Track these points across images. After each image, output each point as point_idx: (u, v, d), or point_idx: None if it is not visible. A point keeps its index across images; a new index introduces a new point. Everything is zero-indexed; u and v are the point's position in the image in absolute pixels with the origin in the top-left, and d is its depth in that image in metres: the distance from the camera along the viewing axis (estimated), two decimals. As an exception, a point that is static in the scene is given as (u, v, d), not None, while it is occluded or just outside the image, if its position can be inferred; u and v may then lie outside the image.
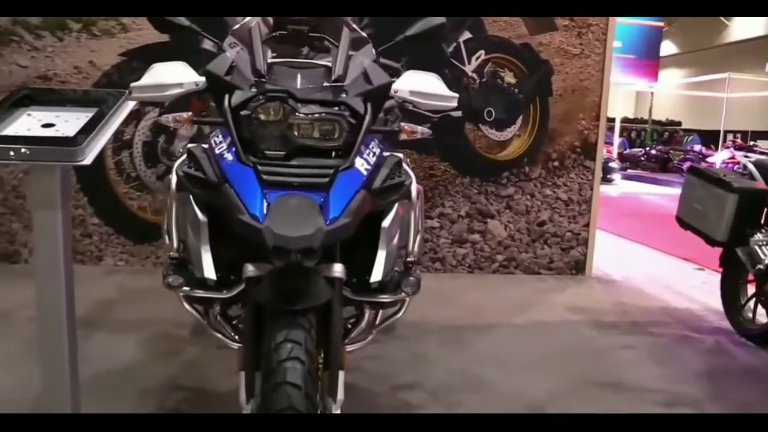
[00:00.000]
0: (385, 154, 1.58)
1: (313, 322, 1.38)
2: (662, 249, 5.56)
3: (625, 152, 19.46)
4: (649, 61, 17.44)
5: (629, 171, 17.07)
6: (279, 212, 1.33)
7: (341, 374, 1.49)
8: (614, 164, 14.38)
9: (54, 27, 3.79)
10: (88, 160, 1.58)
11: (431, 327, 3.12)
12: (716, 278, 3.48)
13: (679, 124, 23.60)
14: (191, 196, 1.55)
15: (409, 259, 1.74)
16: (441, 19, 1.75)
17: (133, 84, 1.64)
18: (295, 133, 1.46)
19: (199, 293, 1.62)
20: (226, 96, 1.50)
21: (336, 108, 1.48)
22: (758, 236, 2.97)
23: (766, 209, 3.02)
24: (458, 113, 4.13)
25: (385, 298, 1.68)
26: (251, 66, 1.55)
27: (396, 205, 1.59)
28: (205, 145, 1.54)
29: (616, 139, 18.42)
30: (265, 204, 1.37)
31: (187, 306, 1.68)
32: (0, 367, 2.46)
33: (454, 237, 4.30)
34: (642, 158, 18.87)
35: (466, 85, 4.15)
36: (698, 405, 2.40)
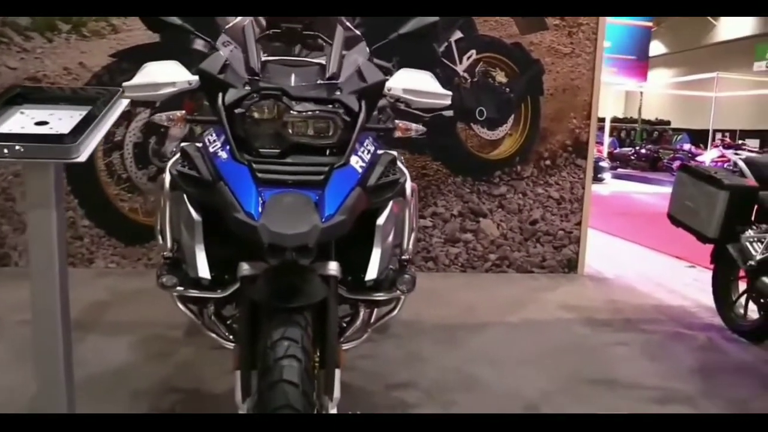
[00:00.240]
0: (380, 151, 1.58)
1: (309, 320, 1.38)
2: (654, 247, 5.59)
3: (615, 151, 19.57)
4: (638, 62, 17.58)
5: (619, 170, 17.17)
6: (274, 210, 1.33)
7: (337, 372, 1.48)
8: (604, 163, 14.46)
9: (43, 28, 3.76)
10: (82, 157, 1.57)
11: (425, 326, 3.12)
12: (707, 275, 3.50)
13: (668, 123, 23.76)
14: (185, 195, 1.54)
15: (404, 257, 1.74)
16: (434, 18, 1.75)
17: (125, 83, 1.63)
18: (290, 130, 1.46)
19: (194, 293, 1.62)
20: (220, 94, 1.50)
21: (330, 106, 1.48)
22: (749, 233, 2.99)
23: (756, 206, 3.04)
24: (450, 113, 4.13)
25: (380, 296, 1.68)
26: (245, 64, 1.55)
27: (391, 202, 1.59)
28: (199, 144, 1.53)
29: (606, 139, 18.52)
30: (261, 202, 1.36)
31: (181, 306, 1.67)
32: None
33: (446, 236, 4.31)
34: (632, 157, 18.99)
35: (458, 85, 4.16)
36: (692, 401, 2.41)
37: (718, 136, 18.64)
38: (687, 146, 18.14)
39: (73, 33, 3.79)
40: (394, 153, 1.60)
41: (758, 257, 2.90)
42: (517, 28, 4.20)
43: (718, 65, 18.72)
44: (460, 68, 4.16)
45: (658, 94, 24.14)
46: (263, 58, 1.59)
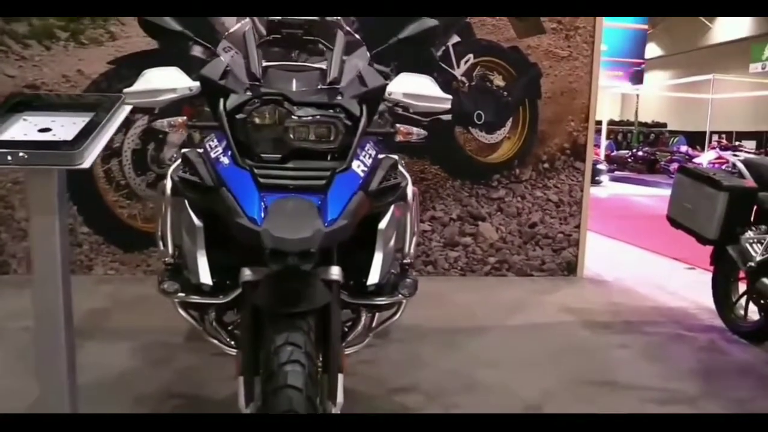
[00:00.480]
0: (381, 156, 1.58)
1: (312, 325, 1.38)
2: (652, 249, 5.60)
3: (612, 154, 19.62)
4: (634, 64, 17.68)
5: (617, 173, 17.20)
6: (277, 215, 1.33)
7: (340, 377, 1.48)
8: (602, 166, 14.47)
9: (41, 36, 3.76)
10: (86, 163, 1.58)
11: (425, 330, 3.12)
12: (707, 277, 3.50)
13: (664, 125, 23.84)
14: (186, 201, 1.54)
15: (405, 261, 1.74)
16: (433, 22, 1.76)
17: (126, 90, 1.64)
18: (291, 135, 1.46)
19: (195, 299, 1.61)
20: (221, 100, 1.50)
21: (331, 110, 1.48)
22: (749, 234, 3.00)
23: (755, 207, 3.04)
24: (448, 117, 4.14)
25: (381, 301, 1.68)
26: (246, 70, 1.55)
27: (392, 207, 1.59)
28: (200, 150, 1.53)
29: (603, 141, 18.56)
30: (263, 207, 1.36)
31: (182, 312, 1.67)
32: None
33: (445, 240, 4.31)
34: (629, 160, 19.03)
35: (456, 89, 4.17)
36: (693, 402, 2.41)
37: (715, 137, 18.69)
38: (684, 148, 18.19)
39: (71, 40, 3.79)
40: (395, 157, 1.60)
41: (758, 258, 2.90)
42: (515, 32, 4.21)
43: (714, 67, 18.80)
44: (457, 72, 4.17)
45: (654, 96, 24.21)
46: (264, 64, 1.59)
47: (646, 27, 18.44)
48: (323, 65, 1.61)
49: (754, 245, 2.96)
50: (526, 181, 4.36)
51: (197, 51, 3.56)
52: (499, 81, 4.25)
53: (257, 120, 1.47)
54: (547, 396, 2.42)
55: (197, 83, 1.62)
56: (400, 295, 1.68)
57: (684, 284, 4.36)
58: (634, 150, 19.93)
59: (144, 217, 3.98)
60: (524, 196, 4.36)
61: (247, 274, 1.47)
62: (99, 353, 2.68)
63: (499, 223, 4.35)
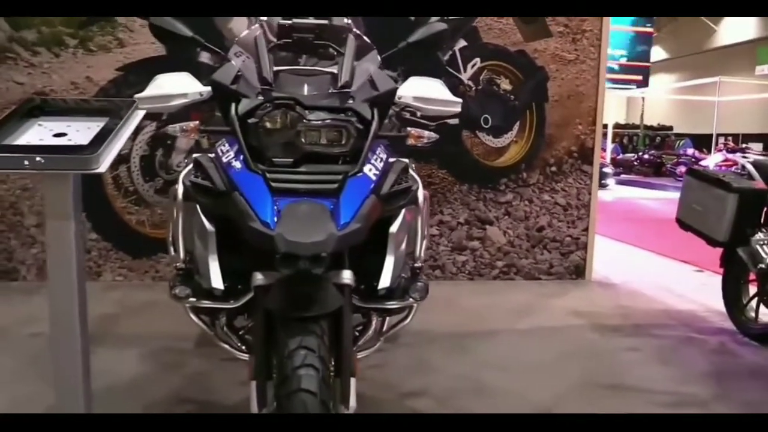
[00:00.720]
0: (392, 159, 1.58)
1: (325, 329, 1.37)
2: (660, 252, 5.58)
3: (618, 158, 19.59)
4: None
5: (623, 176, 17.17)
6: (290, 219, 1.33)
7: (353, 381, 1.48)
8: (608, 169, 14.45)
9: (50, 43, 3.79)
10: (102, 168, 1.59)
11: (434, 334, 3.11)
12: (716, 280, 3.49)
13: (670, 128, 23.79)
14: (198, 206, 1.54)
15: (416, 265, 1.74)
16: (443, 25, 1.76)
17: (137, 95, 1.64)
18: (303, 140, 1.46)
19: (206, 304, 1.61)
20: (233, 104, 1.50)
21: (343, 114, 1.49)
22: (759, 235, 2.98)
23: (766, 209, 3.03)
24: (455, 121, 4.14)
25: (392, 305, 1.68)
26: (258, 74, 1.55)
27: (403, 210, 1.59)
28: (212, 155, 1.54)
29: (609, 145, 18.54)
30: (276, 211, 1.37)
31: (193, 317, 1.67)
32: (2, 381, 2.43)
33: (453, 244, 4.31)
34: (635, 163, 19.00)
35: (463, 93, 4.17)
36: (705, 405, 2.40)
37: (721, 140, 18.64)
38: (690, 151, 18.16)
39: (80, 47, 3.82)
40: (406, 161, 1.61)
41: (768, 260, 2.89)
42: (522, 36, 4.21)
43: (720, 70, 18.76)
44: (464, 76, 4.18)
45: (659, 99, 24.17)
46: (275, 68, 1.60)
47: (651, 30, 18.43)
48: (334, 69, 1.62)
49: (764, 247, 2.94)
50: (534, 185, 4.35)
51: (205, 57, 3.57)
52: (506, 85, 4.25)
53: (269, 124, 1.47)
54: (558, 399, 2.41)
55: (208, 88, 1.63)
56: (411, 299, 1.68)
57: (693, 287, 4.34)
58: (640, 153, 19.89)
59: (152, 223, 3.99)
60: (532, 200, 4.36)
61: (259, 278, 1.47)
62: (109, 359, 2.68)
63: (506, 227, 4.35)
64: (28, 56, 3.79)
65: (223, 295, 1.58)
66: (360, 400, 1.54)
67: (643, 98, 22.15)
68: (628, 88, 19.08)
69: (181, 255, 1.65)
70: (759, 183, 3.05)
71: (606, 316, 3.60)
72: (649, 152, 19.72)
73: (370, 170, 1.48)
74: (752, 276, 3.10)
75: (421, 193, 1.64)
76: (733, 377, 2.73)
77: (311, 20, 1.71)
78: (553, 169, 4.36)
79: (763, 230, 3.01)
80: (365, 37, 1.78)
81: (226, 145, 1.53)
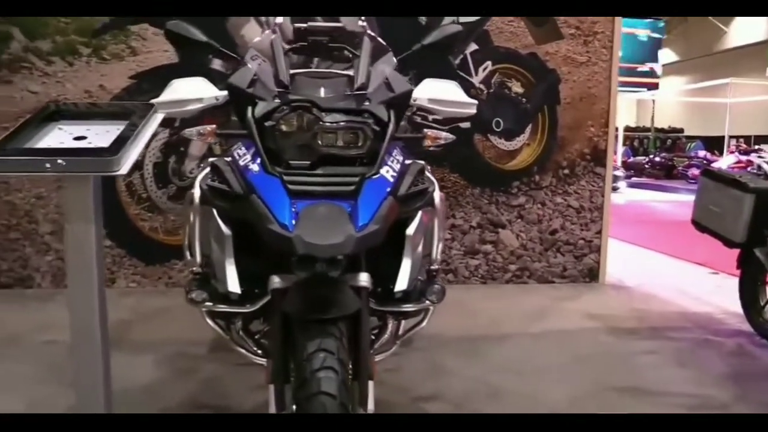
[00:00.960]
0: (408, 161, 1.58)
1: (343, 331, 1.37)
2: (674, 254, 5.53)
3: (629, 160, 19.50)
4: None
5: (634, 179, 17.09)
6: (308, 221, 1.33)
7: (371, 384, 1.47)
8: (619, 172, 14.37)
9: (64, 52, 3.82)
10: (123, 169, 1.59)
11: (447, 338, 3.10)
12: (732, 282, 3.45)
13: (681, 131, 23.66)
14: (215, 210, 1.55)
15: (432, 267, 1.73)
16: (457, 27, 1.77)
17: (153, 100, 1.65)
18: (320, 142, 1.46)
19: (223, 308, 1.61)
20: (249, 108, 1.51)
21: (360, 116, 1.49)
22: (777, 236, 2.95)
23: (783, 209, 3.00)
24: (467, 124, 4.14)
25: (409, 308, 1.67)
26: (274, 77, 1.56)
27: (420, 212, 1.59)
28: (228, 158, 1.54)
29: (620, 148, 18.46)
30: (294, 213, 1.36)
31: (209, 321, 1.67)
32: (19, 389, 2.44)
33: (466, 248, 4.29)
34: (646, 166, 18.91)
35: (474, 97, 4.11)
36: (725, 408, 2.37)
37: (733, 142, 18.52)
38: (702, 153, 18.05)
39: (93, 56, 3.85)
40: (423, 162, 1.60)
41: (787, 261, 2.86)
42: (533, 39, 4.20)
43: (730, 71, 18.66)
44: (476, 80, 4.17)
45: (670, 102, 24.05)
46: (291, 72, 1.60)
47: (661, 37, 18.40)
48: (350, 72, 1.62)
49: (782, 247, 2.91)
50: (546, 188, 4.33)
51: (217, 64, 3.59)
52: (517, 88, 4.24)
53: (285, 127, 1.47)
54: (575, 403, 2.39)
55: (223, 93, 1.64)
56: (427, 302, 1.67)
57: (708, 289, 4.30)
58: (651, 156, 19.80)
59: (165, 229, 4.00)
60: (544, 203, 4.34)
61: (276, 281, 1.46)
62: (124, 365, 2.68)
63: (519, 230, 4.33)
64: (43, 65, 3.82)
65: (240, 299, 1.58)
66: (375, 404, 1.53)
67: (653, 101, 22.05)
68: (638, 91, 19.02)
69: (198, 259, 1.65)
70: (775, 183, 3.02)
71: (621, 318, 3.57)
72: (660, 155, 19.63)
73: (387, 172, 1.48)
74: (770, 277, 3.07)
75: (437, 195, 1.63)
76: (752, 379, 2.70)
77: (327, 23, 1.72)
78: (566, 171, 4.34)
79: (781, 231, 2.98)
80: (380, 39, 1.78)
81: (243, 148, 1.53)
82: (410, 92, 1.61)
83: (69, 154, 1.57)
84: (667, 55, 21.93)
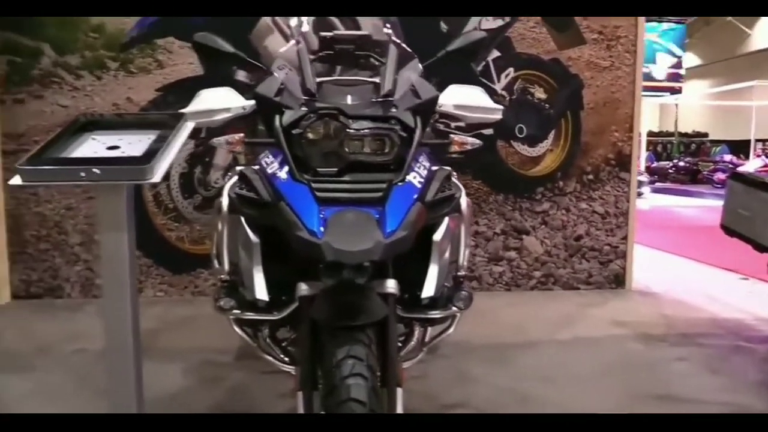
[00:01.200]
0: (435, 167, 1.58)
1: (372, 338, 1.37)
2: (702, 260, 5.44)
3: (652, 166, 19.27)
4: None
5: (658, 184, 16.87)
6: (337, 227, 1.33)
7: (399, 391, 1.47)
8: (643, 177, 14.19)
9: (93, 66, 3.90)
10: (156, 177, 1.62)
11: (473, 345, 3.08)
12: (763, 287, 3.40)
13: (705, 135, 23.32)
14: (243, 218, 1.56)
15: (459, 274, 1.73)
16: (481, 34, 1.77)
17: (181, 110, 1.68)
18: (347, 149, 1.47)
19: (250, 315, 1.63)
20: (277, 116, 1.52)
21: (386, 123, 1.49)
22: (809, 240, 2.89)
23: (815, 212, 2.94)
24: (489, 131, 4.12)
25: (436, 314, 1.67)
26: (301, 86, 1.57)
27: (447, 218, 1.59)
28: (256, 167, 1.56)
29: (643, 153, 18.27)
30: (322, 219, 1.37)
31: (237, 329, 1.68)
32: (51, 398, 2.48)
33: (489, 255, 4.27)
34: (670, 171, 18.67)
35: (497, 103, 4.14)
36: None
37: (759, 145, 18.21)
38: (728, 157, 17.76)
39: (121, 70, 3.92)
40: (449, 168, 1.60)
41: (820, 265, 2.80)
42: (555, 44, 4.19)
43: (755, 74, 18.37)
44: (498, 87, 4.16)
45: (693, 106, 23.74)
46: (318, 80, 1.62)
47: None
48: (376, 79, 1.63)
49: (815, 252, 2.85)
50: (571, 194, 4.30)
51: (241, 75, 3.63)
52: (540, 93, 4.22)
53: (313, 135, 1.49)
54: (606, 410, 2.35)
55: (250, 102, 1.66)
56: (454, 308, 1.67)
57: (739, 295, 4.22)
58: (676, 160, 19.55)
59: (191, 239, 4.04)
60: (569, 209, 4.30)
61: (303, 288, 1.47)
62: (152, 373, 2.69)
63: (543, 237, 4.30)
64: (72, 80, 3.90)
65: (267, 307, 1.59)
66: (403, 411, 1.53)
67: (676, 105, 21.78)
68: (661, 95, 18.82)
69: (226, 267, 1.67)
70: (807, 186, 2.97)
71: (649, 325, 3.52)
72: (685, 159, 19.37)
73: (415, 178, 1.48)
74: (803, 282, 3.01)
75: (464, 201, 1.63)
76: (788, 386, 2.64)
77: (353, 32, 1.73)
78: (590, 177, 4.31)
79: (813, 234, 2.92)
80: (405, 47, 1.79)
81: (270, 156, 1.55)
82: (436, 98, 1.61)
83: (103, 163, 1.61)
84: (689, 59, 21.68)
